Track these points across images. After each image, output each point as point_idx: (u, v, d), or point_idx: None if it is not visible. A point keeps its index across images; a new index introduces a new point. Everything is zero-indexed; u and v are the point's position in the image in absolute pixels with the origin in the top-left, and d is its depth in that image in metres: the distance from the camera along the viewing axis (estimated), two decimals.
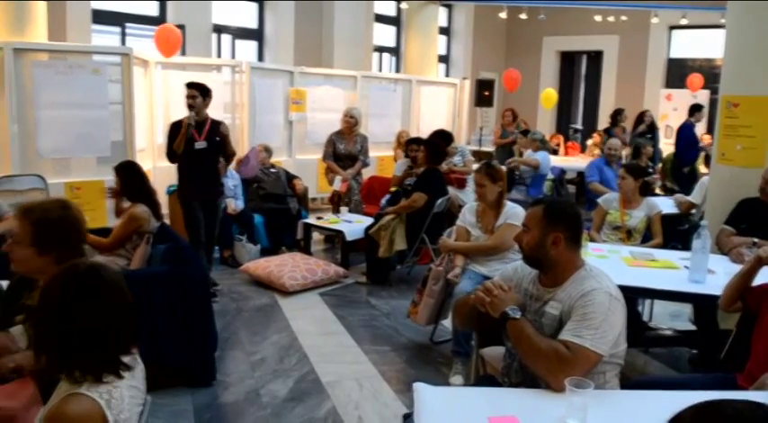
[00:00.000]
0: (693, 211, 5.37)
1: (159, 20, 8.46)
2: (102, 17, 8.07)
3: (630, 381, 2.43)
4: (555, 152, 10.30)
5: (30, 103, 5.77)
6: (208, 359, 3.60)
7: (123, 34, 8.28)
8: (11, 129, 5.63)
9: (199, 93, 5.06)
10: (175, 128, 5.07)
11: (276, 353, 4.06)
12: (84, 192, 5.69)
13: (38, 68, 5.84)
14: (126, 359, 1.66)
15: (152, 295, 3.32)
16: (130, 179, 4.05)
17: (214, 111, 7.40)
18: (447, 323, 4.18)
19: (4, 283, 2.89)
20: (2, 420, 1.93)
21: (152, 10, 8.64)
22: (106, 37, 8.22)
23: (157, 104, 6.98)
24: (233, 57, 9.39)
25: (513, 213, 3.94)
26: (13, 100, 5.63)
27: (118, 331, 1.63)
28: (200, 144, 5.08)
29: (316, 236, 6.55)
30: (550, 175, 8.20)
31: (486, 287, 2.22)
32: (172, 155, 5.15)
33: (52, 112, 5.87)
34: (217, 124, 5.22)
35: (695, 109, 8.88)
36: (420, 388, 2.04)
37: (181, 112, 6.88)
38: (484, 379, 2.62)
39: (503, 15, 12.40)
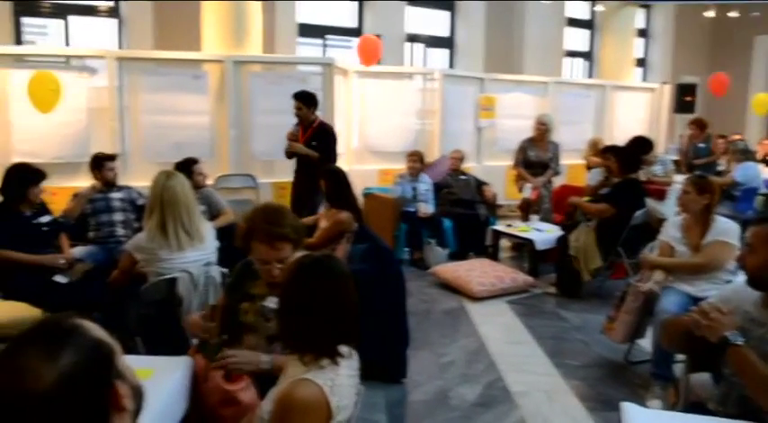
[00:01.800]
0: None
1: (357, 31, 8.92)
2: (306, 30, 8.68)
3: None
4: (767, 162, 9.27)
5: (246, 110, 6.39)
6: (401, 357, 3.72)
7: (324, 45, 8.85)
8: (230, 133, 6.27)
9: (303, 104, 5.44)
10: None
11: (464, 357, 4.10)
12: (288, 191, 6.15)
13: (253, 78, 6.45)
14: (346, 349, 1.79)
15: None
16: (335, 185, 4.28)
17: (406, 117, 7.67)
18: (644, 343, 3.96)
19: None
20: (227, 400, 2.17)
21: (351, 22, 9.13)
22: (309, 48, 8.84)
23: (354, 111, 7.35)
24: (425, 64, 9.63)
25: (725, 229, 3.61)
26: (233, 107, 6.27)
27: (345, 319, 1.75)
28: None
29: (504, 243, 6.51)
30: (763, 189, 7.43)
31: (703, 309, 2.08)
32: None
33: (263, 117, 6.44)
34: (320, 128, 5.53)
35: None
36: (628, 408, 1.97)
37: (373, 116, 7.23)
38: (693, 406, 2.46)
39: (709, 14, 11.46)
